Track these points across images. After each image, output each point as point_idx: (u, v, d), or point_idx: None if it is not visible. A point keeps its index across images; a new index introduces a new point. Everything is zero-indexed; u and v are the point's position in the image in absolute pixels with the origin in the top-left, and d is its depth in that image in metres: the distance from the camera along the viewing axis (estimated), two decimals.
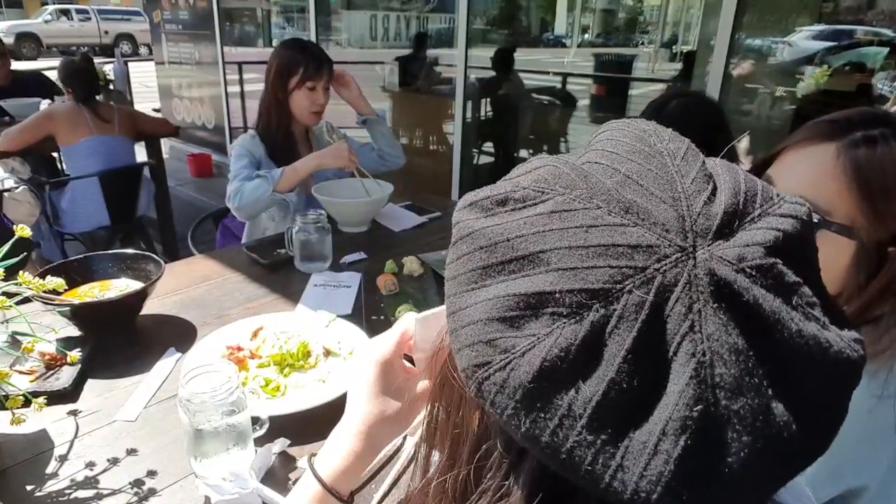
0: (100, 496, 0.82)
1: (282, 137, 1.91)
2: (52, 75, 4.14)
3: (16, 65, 4.07)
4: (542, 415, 0.31)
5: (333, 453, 0.61)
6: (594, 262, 0.30)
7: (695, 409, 0.28)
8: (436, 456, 0.47)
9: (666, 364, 0.29)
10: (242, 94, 5.76)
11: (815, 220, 0.70)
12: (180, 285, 1.44)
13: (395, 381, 0.60)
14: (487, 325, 0.32)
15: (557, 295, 0.30)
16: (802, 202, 0.34)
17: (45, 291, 0.81)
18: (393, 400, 0.60)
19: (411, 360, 0.62)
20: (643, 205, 0.32)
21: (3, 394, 0.81)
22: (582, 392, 0.30)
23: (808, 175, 0.74)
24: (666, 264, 0.30)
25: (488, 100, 4.66)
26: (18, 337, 0.88)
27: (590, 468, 0.30)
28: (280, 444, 0.90)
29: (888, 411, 0.72)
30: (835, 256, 0.73)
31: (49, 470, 0.86)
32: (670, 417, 0.28)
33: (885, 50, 2.99)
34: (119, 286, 1.26)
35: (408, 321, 0.60)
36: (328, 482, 0.60)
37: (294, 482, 0.86)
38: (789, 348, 0.30)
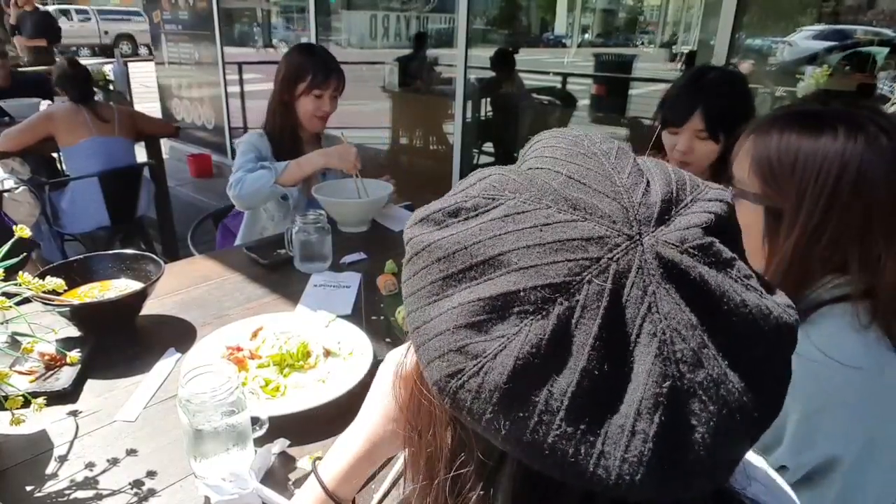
0: (99, 496, 0.82)
1: (288, 139, 1.91)
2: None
3: None
4: (521, 414, 0.31)
5: (339, 457, 0.61)
6: (552, 257, 0.31)
7: (663, 385, 0.30)
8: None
9: (631, 346, 0.30)
10: (242, 94, 5.77)
11: (735, 193, 0.85)
12: (180, 285, 1.44)
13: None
14: (455, 334, 0.33)
15: (522, 293, 0.31)
16: (724, 188, 0.37)
17: (44, 292, 0.80)
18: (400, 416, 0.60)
19: None
20: (588, 201, 0.33)
21: (3, 394, 0.81)
22: (557, 385, 0.30)
23: (738, 154, 0.89)
24: (617, 252, 0.31)
25: (488, 100, 4.66)
26: (18, 337, 0.88)
27: (573, 460, 0.30)
28: (280, 445, 0.90)
29: (866, 380, 0.74)
30: (754, 224, 0.85)
31: (49, 470, 0.86)
32: (642, 397, 0.30)
33: (886, 50, 2.99)
34: (119, 286, 1.26)
35: None
36: (331, 487, 0.60)
37: (294, 482, 0.86)
38: (736, 318, 0.31)
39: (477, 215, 0.35)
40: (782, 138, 0.83)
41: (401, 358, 0.58)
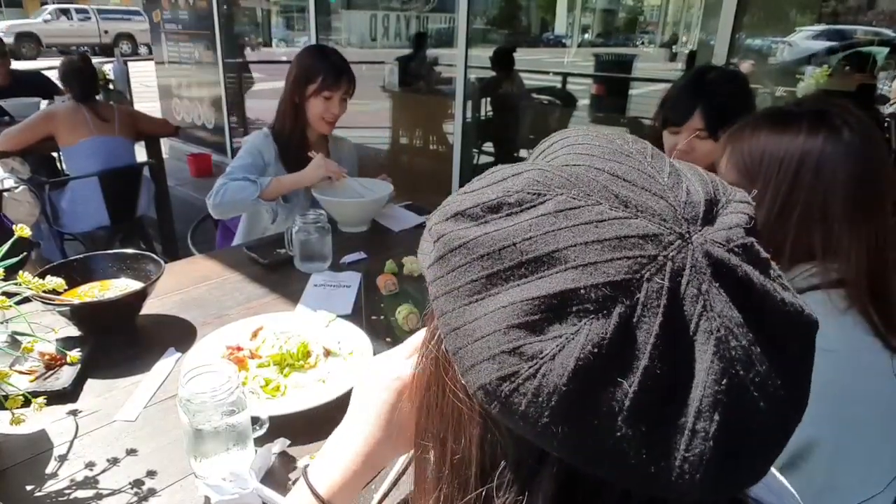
0: (100, 496, 0.82)
1: (296, 141, 1.92)
2: (52, 75, 4.14)
3: (15, 64, 4.07)
4: (581, 417, 0.30)
5: (332, 468, 0.58)
6: (611, 254, 0.31)
7: (722, 383, 0.29)
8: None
9: (690, 344, 0.30)
10: (242, 94, 5.77)
11: None
12: (180, 285, 1.44)
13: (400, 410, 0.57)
14: (507, 334, 0.31)
15: (582, 291, 0.30)
16: (742, 190, 0.37)
17: (44, 291, 0.80)
18: (402, 426, 0.57)
19: None
20: (637, 198, 0.33)
21: (3, 394, 0.81)
22: (619, 386, 0.30)
23: (721, 162, 0.96)
24: (671, 250, 0.31)
25: (488, 100, 4.66)
26: (18, 337, 0.87)
27: (633, 462, 0.30)
28: (280, 444, 0.90)
29: (840, 362, 0.76)
30: None
31: (49, 470, 0.86)
32: (703, 395, 0.30)
33: (886, 50, 2.99)
34: (119, 286, 1.26)
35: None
36: (325, 496, 0.58)
37: (294, 482, 0.86)
38: (777, 317, 0.32)
39: (522, 210, 0.34)
40: (752, 135, 0.90)
41: (399, 364, 0.56)
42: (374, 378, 0.57)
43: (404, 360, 0.57)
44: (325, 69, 1.85)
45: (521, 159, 0.42)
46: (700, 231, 0.32)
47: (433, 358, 0.42)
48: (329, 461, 0.59)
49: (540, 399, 0.31)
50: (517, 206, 0.34)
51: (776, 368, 0.31)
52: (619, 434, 0.30)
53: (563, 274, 0.31)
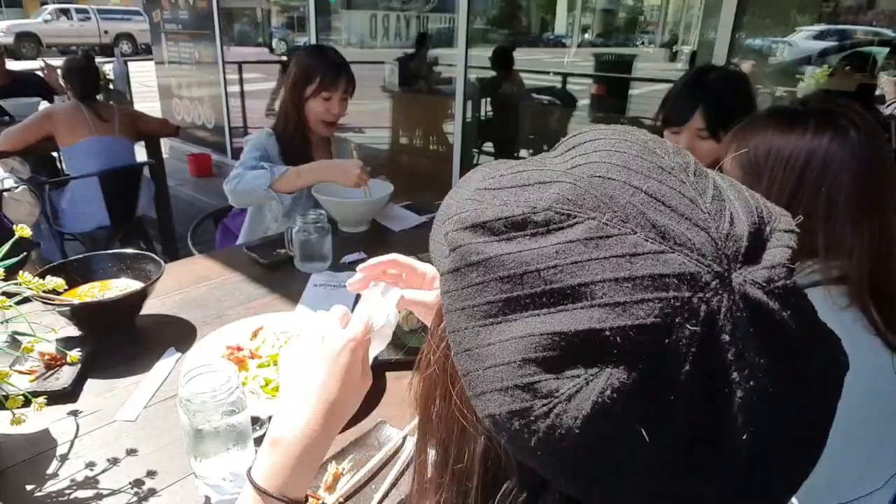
0: (100, 496, 0.82)
1: (298, 143, 1.91)
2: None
3: (16, 64, 4.07)
4: (594, 461, 0.29)
5: (283, 445, 0.56)
6: (643, 294, 0.28)
7: (748, 434, 0.28)
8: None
9: (719, 395, 0.28)
10: (242, 94, 5.77)
11: None
12: (180, 285, 1.44)
13: (359, 371, 0.58)
14: (522, 368, 0.30)
15: (607, 333, 0.28)
16: (785, 212, 0.34)
17: (44, 291, 0.80)
18: (358, 384, 0.58)
19: None
20: (676, 229, 0.30)
21: (3, 394, 0.81)
22: (637, 434, 0.28)
23: (726, 159, 0.95)
24: (708, 293, 0.28)
25: (488, 100, 4.66)
26: (18, 337, 0.87)
27: None
28: None
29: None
30: None
31: (49, 470, 0.86)
32: (732, 448, 0.28)
33: (886, 50, 2.99)
34: (119, 286, 1.26)
35: (374, 308, 0.59)
36: (279, 476, 0.56)
37: None
38: (809, 362, 0.30)
39: (549, 232, 0.31)
40: (758, 133, 0.91)
41: (343, 332, 0.58)
42: (326, 349, 0.58)
43: (355, 322, 0.59)
44: (323, 69, 1.84)
45: (521, 160, 0.41)
46: (740, 269, 0.29)
47: (441, 365, 0.40)
48: (275, 451, 0.57)
49: (551, 439, 0.29)
50: (543, 225, 0.31)
51: (803, 413, 0.30)
52: (633, 482, 0.29)
53: (588, 311, 0.29)
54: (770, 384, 0.28)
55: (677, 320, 0.27)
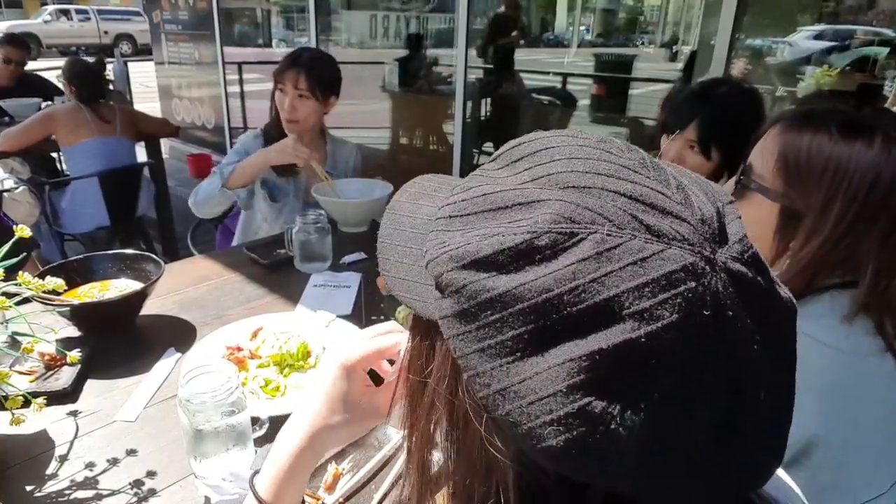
0: (100, 496, 0.82)
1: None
2: (50, 75, 4.14)
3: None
4: (657, 461, 0.31)
5: (277, 456, 0.60)
6: (662, 295, 0.29)
7: (765, 395, 0.32)
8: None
9: (740, 373, 0.30)
10: (242, 94, 5.77)
11: (752, 186, 0.85)
12: (180, 285, 1.44)
13: (354, 392, 0.59)
14: (569, 395, 0.30)
15: (643, 340, 0.29)
16: (720, 187, 0.36)
17: (44, 291, 0.80)
18: (344, 410, 0.59)
19: (373, 375, 0.61)
20: (664, 225, 0.31)
21: (3, 394, 0.81)
22: (690, 426, 0.30)
23: (760, 146, 0.87)
24: (706, 277, 0.29)
25: (488, 100, 4.66)
26: (18, 337, 0.87)
27: (704, 479, 0.32)
28: None
29: (846, 362, 0.76)
30: (765, 219, 0.84)
31: (49, 470, 0.86)
32: (754, 413, 0.31)
33: (886, 50, 2.99)
34: (119, 286, 1.26)
35: (400, 336, 0.57)
36: (270, 488, 0.60)
37: None
38: (778, 314, 0.33)
39: (557, 255, 0.30)
40: (814, 139, 0.80)
41: (341, 354, 0.58)
42: (320, 371, 0.62)
43: (357, 346, 0.59)
44: (284, 61, 1.84)
45: (448, 177, 0.40)
46: (719, 249, 0.31)
47: (462, 410, 0.37)
48: (274, 451, 0.61)
49: (610, 454, 0.30)
50: (549, 249, 0.31)
51: (787, 373, 0.33)
52: (683, 469, 0.31)
53: (620, 325, 0.29)
54: (762, 343, 0.31)
55: (694, 311, 0.29)
